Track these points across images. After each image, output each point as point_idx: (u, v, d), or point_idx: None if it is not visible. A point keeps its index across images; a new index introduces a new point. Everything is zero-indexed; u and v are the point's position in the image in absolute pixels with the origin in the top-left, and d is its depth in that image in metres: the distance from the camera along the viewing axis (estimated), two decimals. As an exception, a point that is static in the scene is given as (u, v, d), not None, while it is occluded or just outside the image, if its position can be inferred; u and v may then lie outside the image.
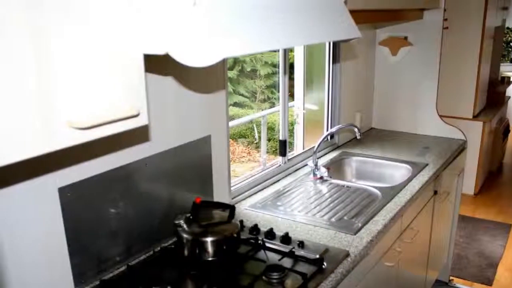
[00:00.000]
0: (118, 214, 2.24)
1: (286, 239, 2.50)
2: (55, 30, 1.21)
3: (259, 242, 2.45)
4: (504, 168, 8.24)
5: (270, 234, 2.55)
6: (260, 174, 3.40)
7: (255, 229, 2.61)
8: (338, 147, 4.29)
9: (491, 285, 4.83)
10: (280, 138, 3.63)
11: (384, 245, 2.86)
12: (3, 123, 1.12)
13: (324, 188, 3.33)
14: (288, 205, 3.02)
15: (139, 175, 2.32)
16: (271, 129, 8.81)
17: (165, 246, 2.46)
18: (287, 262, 2.29)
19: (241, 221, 2.62)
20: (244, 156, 10.21)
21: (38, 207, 1.89)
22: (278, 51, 3.51)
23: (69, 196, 1.99)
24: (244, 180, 3.28)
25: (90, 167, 2.08)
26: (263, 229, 2.62)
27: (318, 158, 3.56)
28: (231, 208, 2.39)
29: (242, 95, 11.72)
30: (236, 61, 11.19)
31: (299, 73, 4.25)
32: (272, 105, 11.45)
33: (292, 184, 3.38)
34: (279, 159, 3.64)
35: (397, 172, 3.80)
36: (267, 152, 5.88)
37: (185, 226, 2.29)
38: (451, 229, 4.68)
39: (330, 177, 3.50)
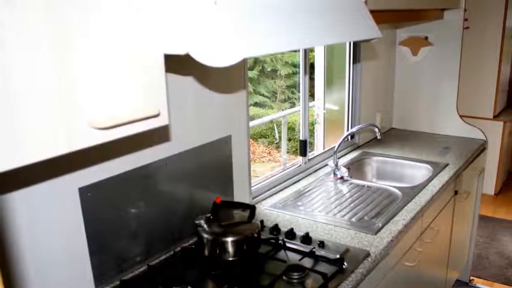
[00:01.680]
0: (139, 214, 2.24)
1: (306, 239, 2.50)
2: (76, 31, 1.21)
3: (280, 242, 2.45)
4: (525, 168, 8.18)
5: (291, 234, 2.56)
6: (281, 174, 3.41)
7: (275, 229, 2.62)
8: (358, 147, 4.28)
9: (511, 285, 4.80)
10: (301, 138, 3.63)
11: (405, 245, 2.85)
12: (25, 123, 1.13)
13: (344, 188, 3.33)
14: (309, 205, 3.02)
15: (160, 175, 2.33)
16: (291, 129, 8.80)
17: (185, 246, 2.46)
18: (307, 262, 2.29)
19: (262, 221, 2.61)
20: (264, 156, 10.21)
21: (59, 207, 1.90)
22: (299, 51, 3.51)
23: (89, 196, 2.00)
24: (265, 180, 3.28)
25: (111, 167, 2.09)
26: (284, 229, 2.62)
27: (338, 158, 3.56)
28: (252, 208, 2.39)
29: (262, 95, 11.72)
30: (256, 61, 11.19)
31: (320, 73, 4.24)
32: (293, 105, 11.44)
33: (312, 184, 3.38)
34: (300, 159, 3.64)
35: (418, 172, 3.79)
36: (288, 152, 5.87)
37: (205, 226, 2.30)
38: (471, 229, 4.66)
39: (351, 177, 3.50)
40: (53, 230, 1.89)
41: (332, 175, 3.52)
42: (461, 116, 4.60)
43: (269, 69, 11.76)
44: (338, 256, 2.30)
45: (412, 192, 3.18)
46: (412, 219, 2.83)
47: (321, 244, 2.45)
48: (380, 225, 2.71)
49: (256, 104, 11.42)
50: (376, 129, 3.69)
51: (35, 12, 1.12)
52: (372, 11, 2.36)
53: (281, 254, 2.39)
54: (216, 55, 1.50)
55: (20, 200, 1.76)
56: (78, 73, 1.24)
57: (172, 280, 2.13)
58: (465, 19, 4.51)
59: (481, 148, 4.37)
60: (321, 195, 3.18)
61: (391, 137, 4.63)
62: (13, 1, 1.07)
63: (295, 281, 2.13)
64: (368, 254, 2.39)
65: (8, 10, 1.06)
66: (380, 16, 2.76)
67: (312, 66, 4.09)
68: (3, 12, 1.06)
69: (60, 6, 1.16)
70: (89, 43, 1.25)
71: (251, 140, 3.00)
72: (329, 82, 4.32)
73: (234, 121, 2.75)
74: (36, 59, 1.14)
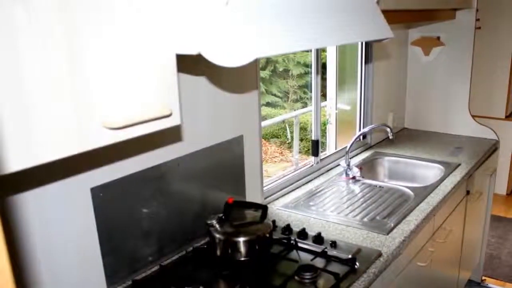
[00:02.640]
0: (151, 214, 2.25)
1: (318, 239, 2.50)
2: (89, 31, 1.22)
3: (292, 242, 2.45)
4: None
5: (303, 234, 2.56)
6: (293, 174, 3.40)
7: (287, 229, 2.62)
8: (370, 147, 4.28)
9: (524, 285, 4.79)
10: (313, 138, 3.63)
11: (417, 245, 2.85)
12: (38, 123, 1.14)
13: (356, 188, 3.33)
14: (321, 205, 3.01)
15: (172, 175, 2.33)
16: (303, 129, 8.80)
17: (197, 246, 2.47)
18: (319, 262, 2.29)
19: (274, 221, 2.62)
20: (276, 156, 10.21)
21: (71, 207, 1.91)
22: (311, 51, 3.51)
23: (101, 196, 2.01)
24: (277, 180, 3.28)
25: (123, 167, 2.10)
26: (296, 229, 2.62)
27: (350, 158, 3.55)
28: (264, 208, 2.39)
29: (274, 95, 11.72)
30: (268, 61, 11.19)
31: (332, 73, 4.24)
32: (305, 105, 11.44)
33: (324, 184, 3.38)
34: (312, 159, 3.64)
35: (430, 172, 3.77)
36: (300, 152, 5.88)
37: (217, 226, 2.30)
38: (483, 229, 4.64)
39: (363, 177, 3.49)
40: (65, 230, 1.90)
41: (344, 175, 3.51)
42: (473, 116, 4.59)
43: (281, 69, 11.76)
44: (350, 256, 2.29)
45: (424, 192, 3.18)
46: (424, 219, 2.82)
47: (333, 244, 2.45)
48: (392, 225, 2.70)
49: (268, 104, 11.42)
50: (388, 129, 3.68)
51: (48, 12, 1.12)
52: (384, 11, 2.36)
53: (293, 254, 2.39)
54: (227, 55, 1.50)
55: (32, 200, 1.77)
56: (91, 73, 1.24)
57: (184, 280, 2.13)
58: (477, 19, 4.49)
59: (493, 148, 4.35)
60: (333, 195, 3.18)
61: (403, 137, 4.62)
62: (27, 1, 1.08)
63: (307, 281, 2.13)
64: (380, 254, 2.39)
65: (22, 10, 1.07)
66: (392, 16, 2.76)
67: (324, 66, 4.09)
68: (17, 12, 1.06)
69: (73, 6, 1.17)
70: (102, 43, 1.26)
71: (263, 140, 3.00)
72: (341, 82, 4.32)
73: (246, 121, 2.75)
74: (50, 59, 1.14)
